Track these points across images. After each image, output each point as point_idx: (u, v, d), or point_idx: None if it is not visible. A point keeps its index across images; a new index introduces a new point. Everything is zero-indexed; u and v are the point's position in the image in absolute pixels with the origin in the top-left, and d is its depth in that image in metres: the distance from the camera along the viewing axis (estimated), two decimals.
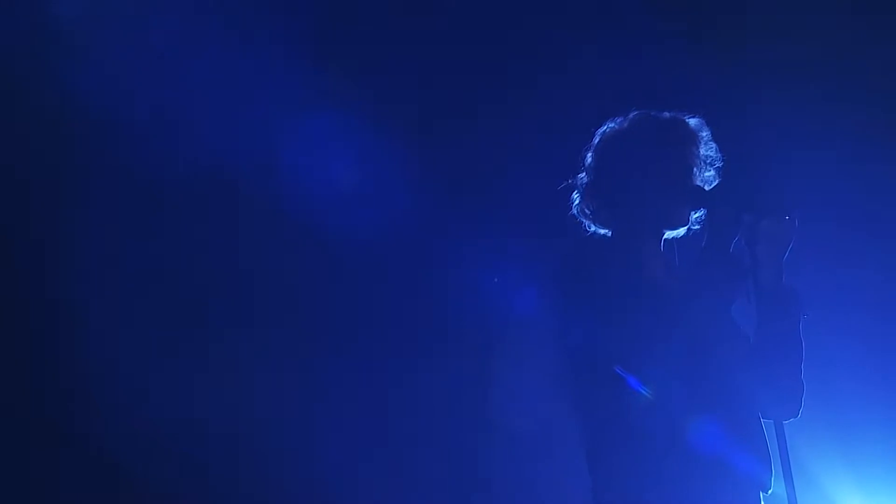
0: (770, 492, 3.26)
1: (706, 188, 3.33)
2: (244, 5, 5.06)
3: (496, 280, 5.01)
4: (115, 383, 4.97)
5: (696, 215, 3.35)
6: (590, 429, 3.27)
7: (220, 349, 5.12)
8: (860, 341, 5.04)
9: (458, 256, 5.07)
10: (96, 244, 5.03)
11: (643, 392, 3.13)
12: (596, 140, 3.42)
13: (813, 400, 3.33)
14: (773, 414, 3.25)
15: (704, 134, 3.38)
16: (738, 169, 3.54)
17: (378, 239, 5.10)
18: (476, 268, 5.04)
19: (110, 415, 4.97)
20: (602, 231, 3.42)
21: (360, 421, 5.20)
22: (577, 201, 3.44)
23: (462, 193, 5.23)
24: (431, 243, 5.11)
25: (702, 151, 3.37)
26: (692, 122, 3.39)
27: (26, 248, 5.08)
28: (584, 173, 3.42)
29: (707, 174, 3.36)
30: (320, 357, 5.19)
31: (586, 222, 3.43)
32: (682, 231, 3.37)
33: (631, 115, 3.40)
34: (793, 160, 4.93)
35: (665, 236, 3.37)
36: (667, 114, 3.40)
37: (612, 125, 3.41)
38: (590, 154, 3.41)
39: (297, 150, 5.09)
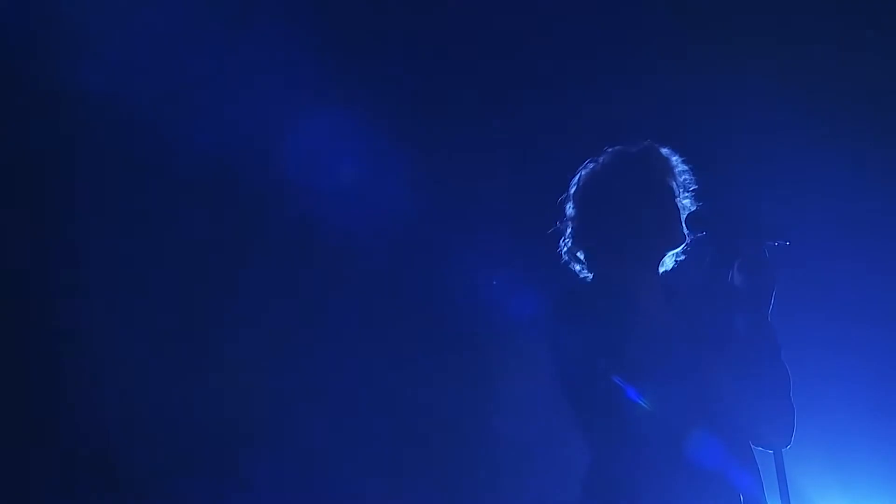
0: None
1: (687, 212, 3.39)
2: (246, 2, 5.08)
3: (494, 283, 5.03)
4: (115, 382, 4.98)
5: (691, 238, 3.36)
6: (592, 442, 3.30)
7: (218, 347, 5.11)
8: (858, 357, 5.05)
9: (457, 258, 5.06)
10: (96, 241, 5.03)
11: (644, 408, 3.14)
12: (573, 189, 3.44)
13: (804, 419, 3.34)
14: (766, 439, 3.30)
15: (675, 159, 3.43)
16: (732, 193, 3.56)
17: (377, 239, 5.11)
18: (474, 270, 5.03)
19: (109, 414, 4.98)
20: (598, 272, 3.41)
21: (358, 421, 5.20)
22: (565, 248, 3.44)
23: (460, 195, 5.23)
24: (430, 244, 5.12)
25: (678, 176, 3.42)
26: (663, 150, 3.44)
27: (26, 245, 5.05)
28: (568, 222, 3.43)
29: (685, 200, 3.40)
30: (317, 357, 5.19)
31: (579, 267, 3.43)
32: (681, 248, 3.39)
33: (602, 156, 3.44)
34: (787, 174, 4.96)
35: (665, 258, 3.40)
36: (637, 145, 3.43)
37: (584, 171, 3.44)
38: (569, 204, 3.44)
39: (297, 149, 5.07)
